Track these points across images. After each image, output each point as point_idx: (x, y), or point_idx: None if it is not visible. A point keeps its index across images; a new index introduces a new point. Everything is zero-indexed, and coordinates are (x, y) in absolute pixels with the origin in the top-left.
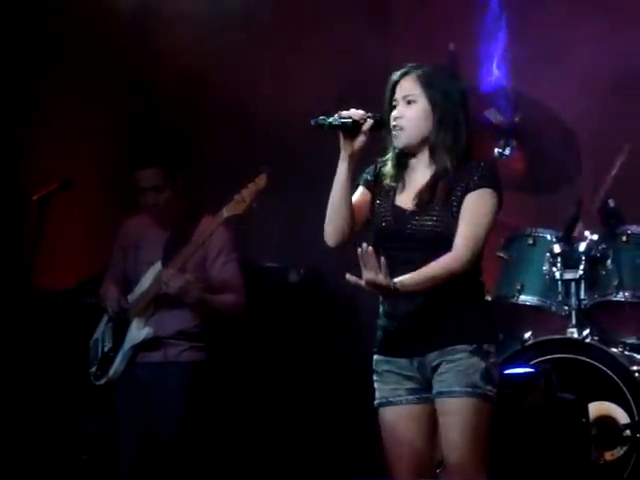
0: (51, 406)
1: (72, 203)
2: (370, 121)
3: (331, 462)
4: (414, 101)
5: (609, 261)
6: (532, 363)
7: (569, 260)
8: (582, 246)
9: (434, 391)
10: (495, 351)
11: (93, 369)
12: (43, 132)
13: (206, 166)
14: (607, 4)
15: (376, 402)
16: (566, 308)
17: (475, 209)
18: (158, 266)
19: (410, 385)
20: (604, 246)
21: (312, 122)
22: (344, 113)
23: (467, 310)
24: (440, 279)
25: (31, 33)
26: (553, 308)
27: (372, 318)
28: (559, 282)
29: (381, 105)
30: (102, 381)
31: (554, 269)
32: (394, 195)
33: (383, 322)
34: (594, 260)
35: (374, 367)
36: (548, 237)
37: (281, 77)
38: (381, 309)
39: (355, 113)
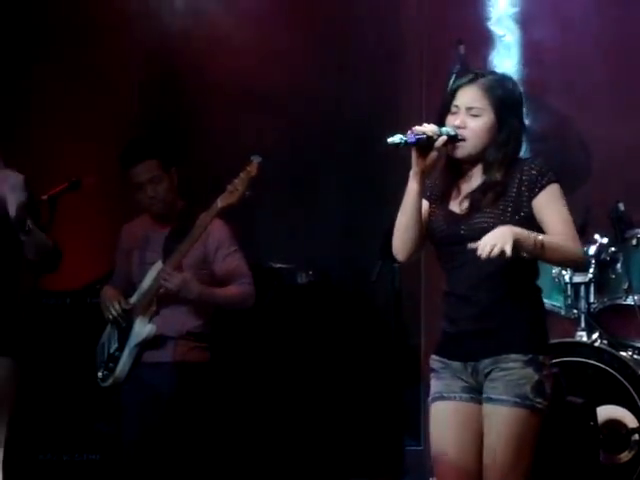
0: (59, 406)
1: (79, 203)
2: (444, 137)
3: (336, 461)
4: (478, 114)
5: (619, 265)
6: None
7: None
8: (592, 249)
9: (484, 395)
10: (550, 363)
11: (100, 372)
12: (48, 131)
13: (203, 162)
14: None
15: (430, 397)
16: (575, 311)
17: (558, 208)
18: (159, 265)
19: (463, 384)
20: (614, 250)
21: (388, 141)
22: (417, 129)
23: (527, 318)
24: (565, 257)
25: (33, 27)
26: (562, 311)
27: (380, 320)
28: (568, 285)
29: None
30: (109, 382)
31: (563, 272)
32: (447, 201)
33: (445, 325)
34: (604, 264)
35: (431, 365)
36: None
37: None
38: (444, 312)
39: (428, 129)
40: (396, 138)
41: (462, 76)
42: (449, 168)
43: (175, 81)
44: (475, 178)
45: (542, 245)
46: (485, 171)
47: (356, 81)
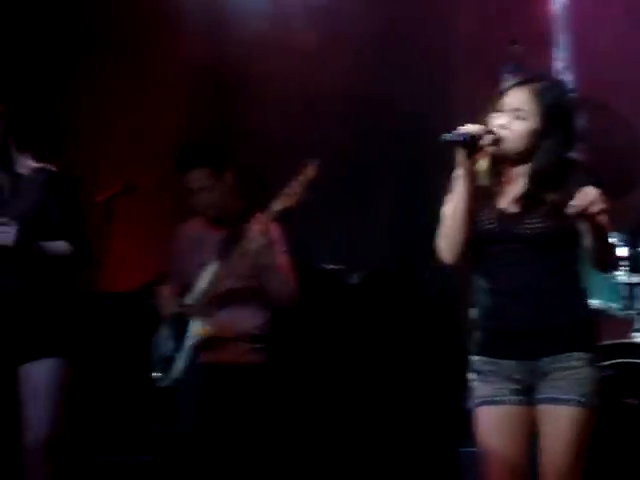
0: (116, 407)
1: (136, 204)
2: (490, 136)
3: (391, 464)
4: (524, 118)
5: None
6: None
7: (635, 264)
8: None
9: (541, 396)
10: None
11: (156, 372)
12: (105, 132)
13: (260, 164)
14: None
15: (477, 401)
16: (631, 312)
17: None
18: (214, 266)
19: (514, 386)
20: None
21: (441, 139)
22: (462, 129)
23: (585, 316)
24: (606, 251)
25: (91, 28)
26: (617, 312)
27: (434, 321)
28: (624, 286)
29: None
30: (165, 383)
31: (619, 272)
32: (494, 198)
33: (487, 323)
34: None
35: (474, 368)
36: (614, 240)
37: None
38: (481, 309)
39: (474, 128)
40: (447, 137)
41: (514, 77)
42: (492, 166)
43: (229, 83)
44: (523, 179)
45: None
46: (531, 176)
47: (409, 82)
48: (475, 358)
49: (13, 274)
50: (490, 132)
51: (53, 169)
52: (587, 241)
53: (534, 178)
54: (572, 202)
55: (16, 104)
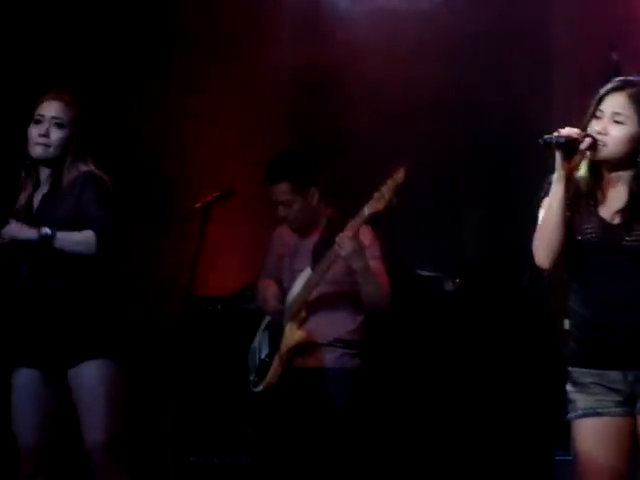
0: (212, 410)
1: (232, 209)
2: (589, 140)
3: (485, 471)
4: (622, 122)
5: None
6: None
7: None
8: None
9: None
10: None
11: (251, 377)
12: (202, 136)
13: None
14: None
15: (577, 413)
16: None
17: None
18: (307, 272)
19: (617, 398)
20: None
21: (540, 140)
22: (562, 131)
23: None
24: None
25: (183, 30)
26: None
27: (530, 329)
28: None
29: None
30: (260, 387)
31: None
32: (595, 207)
33: (585, 333)
34: None
35: (574, 379)
36: None
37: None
38: (578, 319)
39: (573, 131)
40: (546, 138)
41: (612, 82)
42: (591, 172)
43: (324, 93)
44: (624, 186)
45: None
46: (635, 181)
47: (504, 89)
48: (574, 369)
49: (54, 275)
50: (588, 136)
51: (92, 170)
52: None
53: (636, 190)
54: None
55: (99, 113)
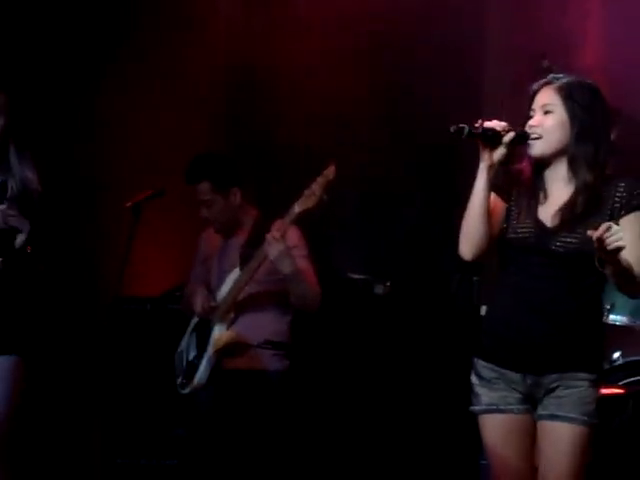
0: (138, 411)
1: (162, 210)
2: (512, 133)
3: (411, 475)
4: (551, 111)
5: None
6: (621, 384)
7: None
8: None
9: (544, 412)
10: None
11: (179, 380)
12: (135, 136)
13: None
14: None
15: (481, 407)
16: None
17: (638, 233)
18: (236, 272)
19: (519, 396)
20: None
21: (452, 129)
22: (486, 123)
23: (596, 337)
24: (632, 282)
25: (123, 26)
26: None
27: (458, 333)
28: None
29: None
30: (187, 389)
31: None
32: (535, 207)
33: (494, 329)
34: None
35: (478, 372)
36: None
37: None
38: (491, 315)
39: (497, 124)
40: (460, 126)
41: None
42: (535, 172)
43: (258, 93)
44: (562, 185)
45: (623, 263)
46: (574, 175)
47: (431, 95)
48: (479, 361)
49: None
50: (511, 130)
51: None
52: (608, 270)
53: (576, 172)
54: (592, 231)
55: (37, 103)
